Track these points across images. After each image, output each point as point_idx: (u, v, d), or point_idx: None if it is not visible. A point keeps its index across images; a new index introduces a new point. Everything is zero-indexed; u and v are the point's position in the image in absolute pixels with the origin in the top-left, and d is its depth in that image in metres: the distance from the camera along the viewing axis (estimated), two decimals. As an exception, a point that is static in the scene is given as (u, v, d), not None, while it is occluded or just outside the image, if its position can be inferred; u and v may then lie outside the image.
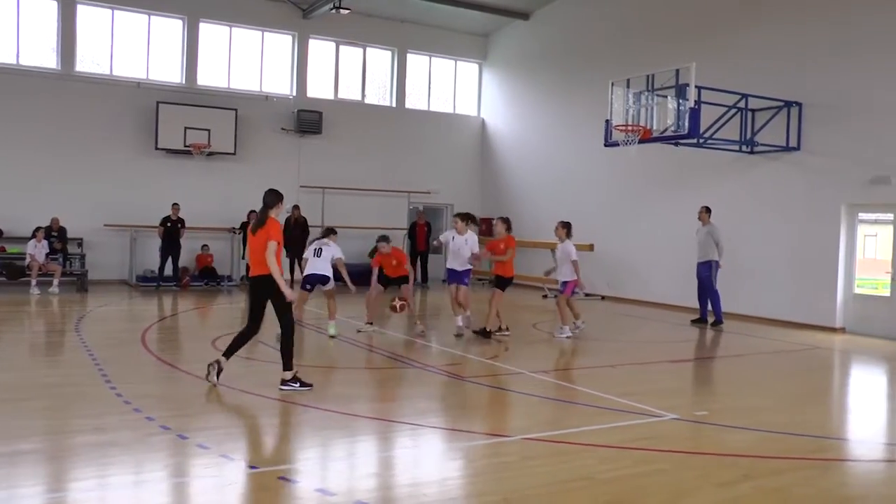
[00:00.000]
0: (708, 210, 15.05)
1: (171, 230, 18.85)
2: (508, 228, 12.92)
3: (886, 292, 14.31)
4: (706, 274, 14.89)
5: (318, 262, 11.90)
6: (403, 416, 7.43)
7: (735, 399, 9.00)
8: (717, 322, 14.74)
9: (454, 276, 12.94)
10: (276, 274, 8.06)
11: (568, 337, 12.58)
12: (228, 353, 8.40)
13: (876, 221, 15.61)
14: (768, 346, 12.86)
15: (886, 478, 6.39)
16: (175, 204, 18.98)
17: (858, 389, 10.69)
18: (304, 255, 12.60)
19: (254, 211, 19.70)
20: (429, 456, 6.44)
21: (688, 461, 6.35)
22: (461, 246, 12.69)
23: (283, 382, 8.15)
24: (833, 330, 14.47)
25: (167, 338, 12.30)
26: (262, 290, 8.27)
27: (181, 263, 19.28)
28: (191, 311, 15.57)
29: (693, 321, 15.13)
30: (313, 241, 12.57)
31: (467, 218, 12.99)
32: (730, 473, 5.95)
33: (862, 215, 14.85)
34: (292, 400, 7.82)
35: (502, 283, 12.73)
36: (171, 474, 5.67)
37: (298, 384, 8.14)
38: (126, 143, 19.78)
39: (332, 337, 11.91)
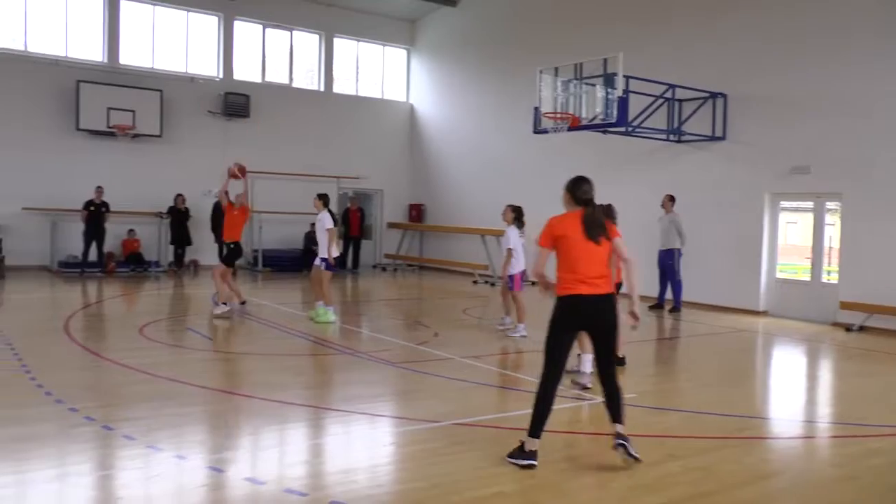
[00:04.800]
0: (672, 199, 15.25)
1: (95, 214, 18.34)
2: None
3: (806, 277, 14.81)
4: (669, 262, 15.18)
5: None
6: (333, 403, 7.40)
7: (662, 381, 9.20)
8: (676, 309, 14.97)
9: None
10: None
11: (522, 336, 11.32)
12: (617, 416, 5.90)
13: (797, 209, 16.09)
14: (696, 329, 13.18)
15: (804, 453, 6.62)
16: (99, 187, 18.46)
17: (779, 370, 11.03)
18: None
19: (181, 195, 19.69)
20: (359, 443, 6.43)
21: (615, 443, 6.46)
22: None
23: (619, 436, 5.73)
24: (757, 313, 14.91)
25: (92, 326, 11.96)
26: (608, 313, 5.86)
27: (106, 248, 18.80)
28: (117, 297, 15.20)
29: (651, 307, 15.28)
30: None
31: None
32: (656, 453, 6.08)
33: (783, 203, 15.29)
34: (220, 388, 7.71)
35: None
36: (96, 467, 5.53)
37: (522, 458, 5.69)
38: (45, 123, 19.12)
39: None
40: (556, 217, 6.01)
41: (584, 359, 8.38)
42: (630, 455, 5.66)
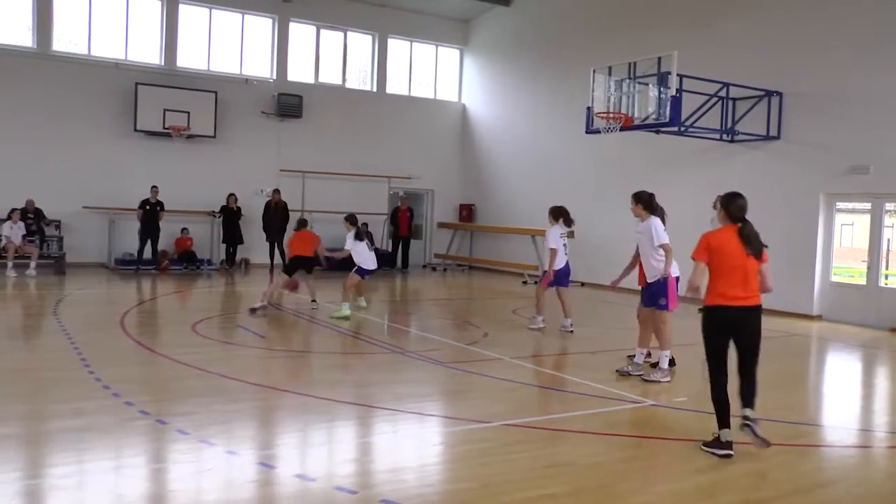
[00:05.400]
0: None
1: (151, 213, 18.70)
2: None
3: (862, 280, 14.47)
4: None
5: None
6: (382, 402, 7.43)
7: (713, 386, 9.05)
8: None
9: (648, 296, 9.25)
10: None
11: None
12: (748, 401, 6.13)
13: (853, 210, 15.74)
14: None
15: (860, 462, 6.47)
16: (154, 187, 18.83)
17: (833, 376, 10.80)
18: (553, 247, 11.54)
19: (233, 194, 19.97)
20: (408, 442, 6.44)
21: (666, 447, 6.40)
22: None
23: (746, 418, 6.02)
24: (810, 317, 14.61)
25: (147, 322, 12.22)
26: (754, 323, 6.22)
27: (160, 247, 19.16)
28: (170, 294, 15.47)
29: (700, 310, 15.02)
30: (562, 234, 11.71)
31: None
32: (707, 459, 6.00)
33: (839, 204, 14.97)
34: (272, 385, 7.80)
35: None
36: (150, 460, 5.65)
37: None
38: (105, 124, 19.57)
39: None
40: (711, 232, 6.32)
41: (638, 353, 9.08)
42: (757, 435, 5.91)
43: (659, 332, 9.01)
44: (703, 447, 6.13)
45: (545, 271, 11.90)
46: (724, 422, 6.08)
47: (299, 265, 13.47)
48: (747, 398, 6.06)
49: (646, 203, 9.15)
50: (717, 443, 6.07)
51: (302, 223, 14.03)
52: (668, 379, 8.66)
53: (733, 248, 6.06)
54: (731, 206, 6.20)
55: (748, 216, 6.32)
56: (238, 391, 7.59)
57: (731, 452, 5.98)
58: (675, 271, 9.03)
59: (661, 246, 8.88)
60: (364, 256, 12.91)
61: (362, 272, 12.98)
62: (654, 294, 9.03)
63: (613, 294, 11.92)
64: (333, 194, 21.87)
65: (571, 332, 11.66)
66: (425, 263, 23.87)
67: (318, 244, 13.54)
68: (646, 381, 8.64)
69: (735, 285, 6.06)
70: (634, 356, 9.15)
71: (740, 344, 6.16)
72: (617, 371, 8.97)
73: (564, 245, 11.70)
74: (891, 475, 6.08)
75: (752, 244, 6.10)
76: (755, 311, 6.15)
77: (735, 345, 6.17)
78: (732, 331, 6.14)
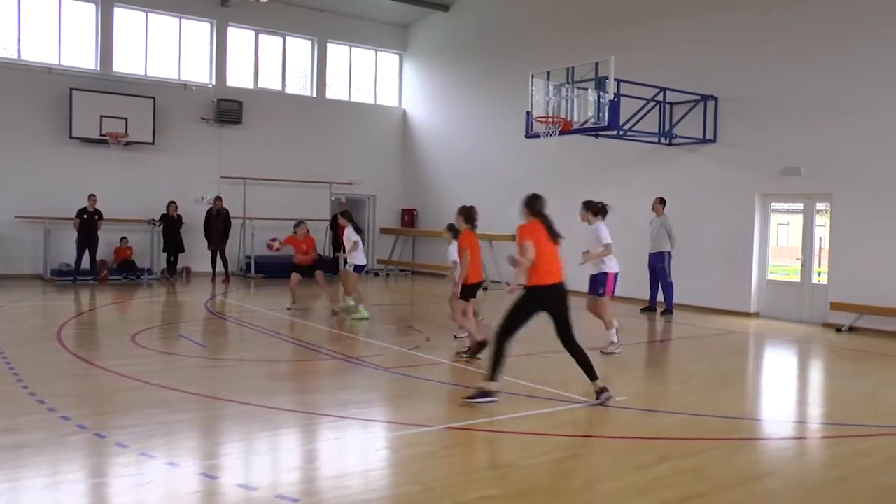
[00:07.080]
0: (662, 201, 15.27)
1: (88, 222, 18.30)
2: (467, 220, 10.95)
3: (797, 278, 14.87)
4: (660, 264, 15.15)
5: None
6: (325, 409, 7.41)
7: (654, 383, 9.24)
8: (668, 311, 15.01)
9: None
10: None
11: (466, 336, 10.94)
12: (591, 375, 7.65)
13: (788, 210, 16.16)
14: (687, 331, 13.22)
15: (796, 454, 6.65)
16: (92, 195, 18.43)
17: (770, 371, 11.08)
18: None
19: (173, 202, 19.67)
20: (351, 448, 6.44)
21: (606, 446, 6.50)
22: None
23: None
24: (748, 315, 14.97)
25: (84, 334, 11.97)
26: (565, 297, 7.64)
27: (99, 256, 18.76)
28: (110, 305, 15.18)
29: (642, 309, 15.34)
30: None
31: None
32: (647, 456, 6.11)
33: (774, 205, 15.36)
34: (212, 395, 7.72)
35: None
36: (89, 475, 5.53)
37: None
38: (38, 131, 19.11)
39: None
40: (526, 224, 7.64)
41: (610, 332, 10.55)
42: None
43: (601, 316, 10.68)
44: (465, 399, 7.41)
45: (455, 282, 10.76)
46: (496, 374, 7.46)
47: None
48: (589, 373, 7.63)
49: (594, 210, 10.95)
50: (482, 393, 7.40)
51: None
52: (619, 350, 10.42)
53: (545, 237, 7.57)
54: (535, 205, 7.73)
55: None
56: (179, 402, 7.48)
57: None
58: (615, 268, 10.81)
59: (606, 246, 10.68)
60: (360, 252, 13.66)
61: (358, 269, 13.68)
62: (595, 284, 10.80)
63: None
64: (275, 201, 21.72)
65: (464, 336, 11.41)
66: (368, 269, 23.77)
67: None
68: (604, 353, 10.29)
69: (553, 267, 7.55)
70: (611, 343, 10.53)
71: (557, 319, 7.56)
72: (602, 351, 10.34)
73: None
74: (824, 465, 6.26)
75: (555, 234, 7.69)
76: (563, 286, 7.62)
77: (553, 320, 7.56)
78: (548, 306, 7.55)
